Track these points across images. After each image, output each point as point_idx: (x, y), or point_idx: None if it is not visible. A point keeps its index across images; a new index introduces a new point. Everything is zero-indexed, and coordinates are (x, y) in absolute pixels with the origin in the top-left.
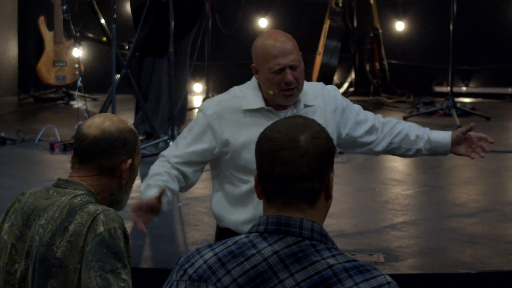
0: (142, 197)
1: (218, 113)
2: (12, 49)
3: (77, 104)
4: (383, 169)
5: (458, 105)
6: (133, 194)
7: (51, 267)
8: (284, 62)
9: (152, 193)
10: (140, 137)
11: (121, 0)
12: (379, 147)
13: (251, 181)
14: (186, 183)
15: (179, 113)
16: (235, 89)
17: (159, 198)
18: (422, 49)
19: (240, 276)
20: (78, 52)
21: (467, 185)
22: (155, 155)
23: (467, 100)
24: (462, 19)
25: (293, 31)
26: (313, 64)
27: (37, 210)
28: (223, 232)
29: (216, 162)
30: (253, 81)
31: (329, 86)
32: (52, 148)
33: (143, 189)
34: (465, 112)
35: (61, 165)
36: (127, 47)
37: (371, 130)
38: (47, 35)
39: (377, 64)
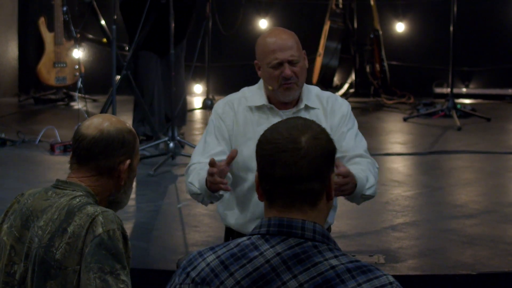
0: (202, 183)
1: (227, 111)
2: (12, 50)
3: (77, 105)
4: (383, 170)
5: (459, 106)
6: (132, 195)
7: (50, 269)
8: (282, 57)
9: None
10: (140, 138)
11: None
12: None
13: (250, 179)
14: None
15: (179, 115)
16: (244, 89)
17: (227, 163)
18: (422, 50)
19: (243, 278)
20: (78, 53)
21: (467, 186)
22: (156, 157)
23: (467, 101)
24: (462, 20)
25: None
26: (314, 65)
27: (36, 211)
28: (230, 231)
29: None
30: (261, 81)
31: (344, 100)
32: (52, 149)
33: (200, 178)
34: (465, 113)
35: (61, 166)
36: (127, 48)
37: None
38: (47, 36)
39: (377, 65)
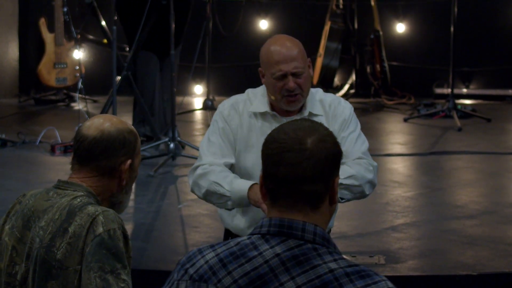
0: (235, 187)
1: (232, 114)
2: (13, 51)
3: (78, 106)
4: (384, 171)
5: (459, 106)
6: (133, 195)
7: (52, 269)
8: (286, 69)
9: (248, 183)
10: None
11: None
12: None
13: None
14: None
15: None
16: (249, 91)
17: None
18: (422, 51)
19: (240, 277)
20: (78, 54)
21: (468, 187)
22: (156, 157)
23: (467, 101)
24: (463, 21)
25: (293, 33)
26: (314, 66)
27: (37, 212)
28: (229, 233)
29: None
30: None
31: (347, 103)
32: (52, 150)
33: (229, 180)
34: (465, 114)
35: (61, 167)
36: (127, 49)
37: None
38: (48, 37)
39: (377, 66)
